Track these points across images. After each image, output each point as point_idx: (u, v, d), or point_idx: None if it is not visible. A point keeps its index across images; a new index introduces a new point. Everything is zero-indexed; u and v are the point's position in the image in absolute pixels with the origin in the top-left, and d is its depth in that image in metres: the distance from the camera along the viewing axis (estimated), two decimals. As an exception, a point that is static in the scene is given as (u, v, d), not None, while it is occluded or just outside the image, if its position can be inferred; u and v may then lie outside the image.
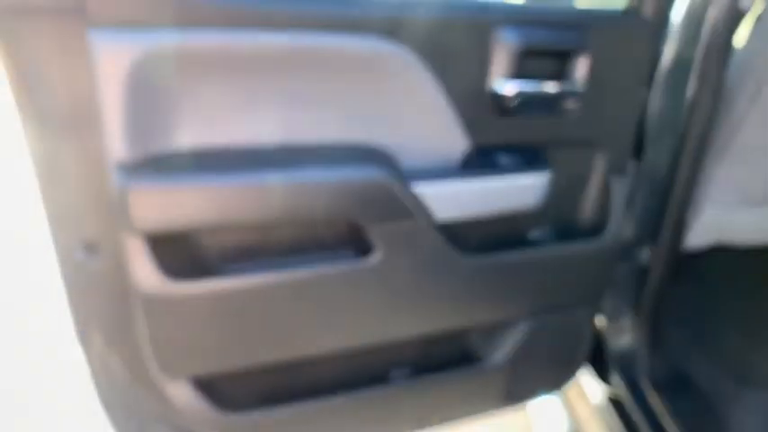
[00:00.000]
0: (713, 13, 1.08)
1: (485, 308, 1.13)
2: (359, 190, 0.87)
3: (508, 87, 0.94)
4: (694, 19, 1.10)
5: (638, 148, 1.19)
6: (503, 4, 0.96)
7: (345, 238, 0.99)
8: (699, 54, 1.11)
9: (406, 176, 0.92)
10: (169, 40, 0.75)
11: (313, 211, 0.86)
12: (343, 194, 0.87)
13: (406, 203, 0.91)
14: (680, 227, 1.29)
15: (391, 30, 0.85)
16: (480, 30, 0.91)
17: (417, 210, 0.93)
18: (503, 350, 1.19)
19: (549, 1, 1.54)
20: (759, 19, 1.23)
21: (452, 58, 0.91)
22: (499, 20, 0.91)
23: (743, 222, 1.56)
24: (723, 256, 1.66)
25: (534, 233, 1.18)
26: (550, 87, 0.98)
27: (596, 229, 1.18)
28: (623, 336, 1.43)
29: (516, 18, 0.93)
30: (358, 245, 0.98)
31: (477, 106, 0.96)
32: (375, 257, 0.94)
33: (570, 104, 1.02)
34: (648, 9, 1.04)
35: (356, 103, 0.90)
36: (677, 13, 1.12)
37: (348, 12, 0.83)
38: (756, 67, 1.29)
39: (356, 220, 0.90)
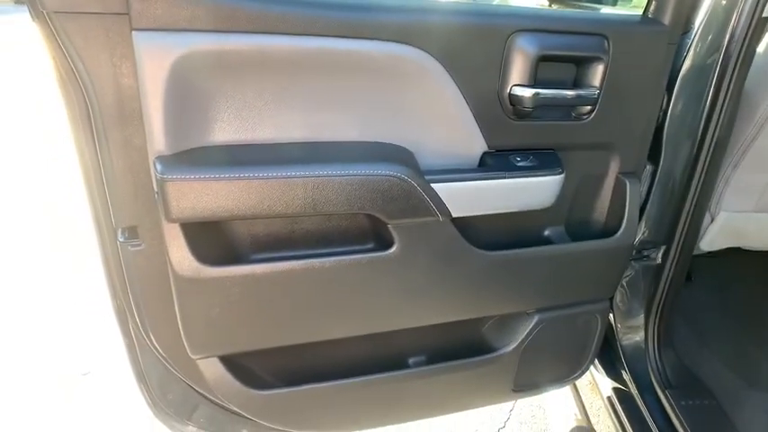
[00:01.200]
0: (735, 20, 1.09)
1: (499, 301, 1.17)
2: (380, 186, 0.92)
3: (525, 92, 0.97)
4: (716, 25, 1.11)
5: (656, 152, 1.21)
6: (521, 11, 0.99)
7: (367, 232, 1.05)
8: (719, 60, 1.12)
9: (425, 174, 0.96)
10: (206, 44, 0.81)
11: (335, 206, 0.91)
12: (364, 190, 0.92)
13: (424, 201, 0.96)
14: (694, 230, 1.31)
15: (413, 36, 0.90)
16: (498, 36, 0.95)
17: (436, 207, 0.97)
18: (515, 342, 1.24)
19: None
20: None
21: (472, 63, 0.95)
22: (517, 26, 0.95)
23: (758, 228, 1.57)
24: (736, 257, 1.67)
25: (549, 231, 1.22)
26: (567, 92, 1.02)
27: (611, 228, 1.21)
28: (634, 333, 1.46)
29: (534, 25, 0.96)
30: (378, 238, 1.03)
31: (494, 110, 1.00)
32: (394, 250, 1.00)
33: (586, 109, 1.05)
34: (667, 15, 1.05)
35: (379, 105, 0.95)
36: (698, 20, 1.13)
37: (373, 18, 0.88)
38: None
39: (377, 214, 0.95)
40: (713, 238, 1.57)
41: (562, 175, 1.07)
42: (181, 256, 0.89)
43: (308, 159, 0.90)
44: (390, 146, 0.98)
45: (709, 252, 1.62)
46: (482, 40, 0.94)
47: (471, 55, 0.94)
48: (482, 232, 1.11)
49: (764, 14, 1.09)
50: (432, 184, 0.96)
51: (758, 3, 1.06)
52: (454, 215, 1.00)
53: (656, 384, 1.39)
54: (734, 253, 1.65)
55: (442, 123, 0.99)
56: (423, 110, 0.97)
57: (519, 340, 1.23)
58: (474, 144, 1.02)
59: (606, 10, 1.74)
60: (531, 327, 1.22)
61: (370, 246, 1.05)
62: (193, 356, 0.99)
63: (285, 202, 0.88)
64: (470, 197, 1.01)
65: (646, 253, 1.41)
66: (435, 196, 0.97)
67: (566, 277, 1.20)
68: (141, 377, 1.09)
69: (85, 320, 2.45)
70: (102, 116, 0.83)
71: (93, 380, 2.15)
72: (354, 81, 0.91)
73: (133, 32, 0.78)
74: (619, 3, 1.73)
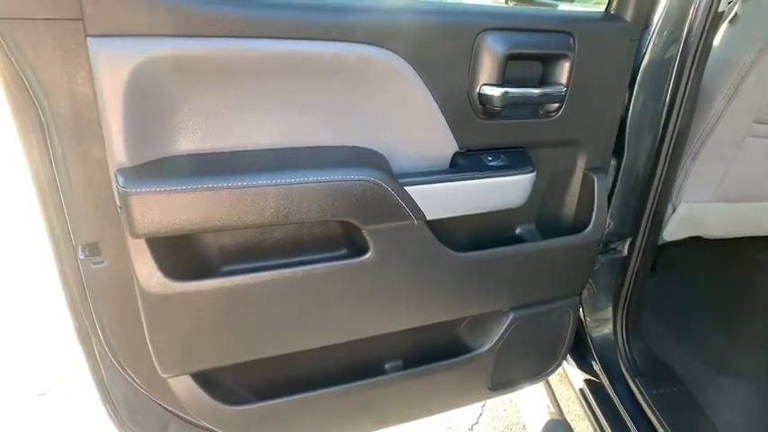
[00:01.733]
0: (692, 15, 1.11)
1: (474, 301, 1.17)
2: (353, 192, 0.90)
3: (494, 92, 0.97)
4: (674, 20, 1.14)
5: (619, 146, 1.23)
6: (488, 10, 0.99)
7: (340, 238, 1.03)
8: (678, 54, 1.15)
9: (398, 178, 0.95)
10: (167, 49, 0.77)
11: (308, 214, 0.89)
12: (337, 196, 0.89)
13: (399, 204, 0.94)
14: (658, 221, 1.34)
15: (381, 37, 0.88)
16: (466, 35, 0.94)
17: (410, 210, 0.96)
18: (490, 341, 1.24)
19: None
20: (735, 19, 1.26)
21: (441, 63, 0.94)
22: (485, 25, 0.94)
23: (717, 217, 1.62)
24: (696, 246, 1.72)
25: (521, 229, 1.22)
26: (535, 90, 1.02)
27: (580, 224, 1.22)
28: (603, 325, 1.49)
29: (501, 23, 0.96)
30: (353, 244, 1.01)
31: (464, 110, 0.99)
32: (369, 256, 0.98)
33: (553, 107, 1.05)
34: (629, 11, 1.07)
35: (349, 108, 0.92)
36: (657, 15, 1.15)
37: (340, 20, 0.85)
38: (733, 66, 1.33)
39: (351, 220, 0.93)
40: (674, 229, 1.61)
41: (533, 174, 1.07)
42: (147, 272, 0.84)
43: (278, 166, 0.87)
44: (362, 150, 0.96)
45: (671, 242, 1.66)
46: (450, 40, 0.93)
47: (440, 55, 0.93)
48: (455, 233, 1.10)
49: (720, 9, 1.12)
50: (405, 188, 0.95)
51: None
52: (429, 218, 0.99)
53: (626, 374, 1.42)
54: (694, 241, 1.70)
55: (412, 125, 0.97)
56: (393, 112, 0.95)
57: (495, 339, 1.23)
58: (445, 145, 1.01)
59: (564, 6, 1.76)
60: (506, 325, 1.23)
61: (344, 252, 1.03)
62: (164, 375, 0.95)
63: (256, 212, 0.85)
64: (444, 199, 1.00)
65: (612, 246, 1.44)
66: (409, 200, 0.95)
67: (538, 274, 1.21)
68: (107, 398, 1.04)
69: (42, 335, 2.34)
70: (57, 128, 0.78)
71: (51, 401, 2.05)
72: (323, 84, 0.89)
73: (88, 39, 0.73)
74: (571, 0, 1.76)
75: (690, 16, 1.11)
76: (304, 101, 0.89)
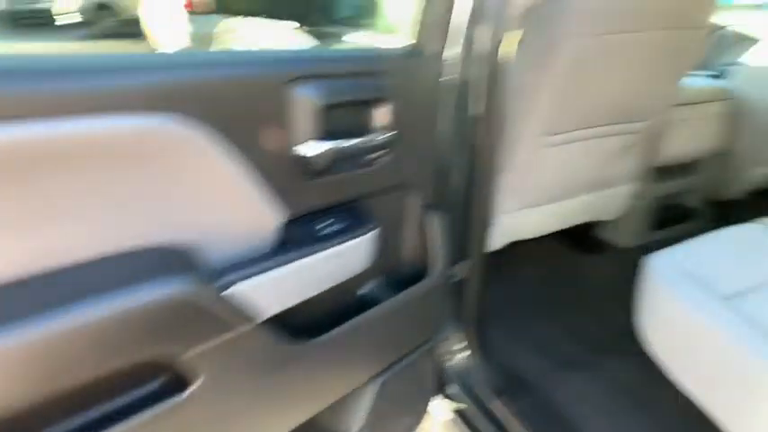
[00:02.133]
0: (483, 41, 1.12)
1: (335, 386, 1.02)
2: (153, 316, 0.67)
3: (317, 148, 0.83)
4: (467, 47, 1.13)
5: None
6: (295, 55, 0.84)
7: (154, 369, 0.77)
8: (475, 79, 1.15)
9: (217, 276, 0.75)
10: None
11: (91, 366, 0.64)
12: (131, 328, 0.65)
13: (220, 315, 0.74)
14: (484, 237, 1.35)
15: (169, 101, 0.67)
16: (274, 86, 0.78)
17: (236, 317, 0.76)
18: (359, 418, 1.10)
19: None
20: (521, 43, 1.32)
21: (250, 124, 0.76)
22: (294, 74, 0.79)
23: (526, 222, 1.75)
24: (515, 250, 1.82)
25: (371, 286, 1.11)
26: (360, 140, 0.90)
27: (426, 264, 1.15)
28: (456, 352, 1.46)
29: (312, 70, 0.82)
30: (172, 373, 0.77)
31: (286, 172, 0.83)
32: (197, 386, 0.75)
33: (381, 152, 0.96)
34: (433, 43, 1.03)
35: (136, 198, 0.69)
36: (453, 44, 1.14)
37: (108, 86, 0.62)
38: (524, 87, 1.41)
39: (161, 354, 0.70)
40: (494, 239, 1.68)
41: (375, 230, 0.96)
42: None
43: (34, 303, 0.60)
44: (159, 251, 0.72)
45: (492, 252, 1.73)
46: (256, 94, 0.76)
47: (247, 113, 0.75)
48: (299, 317, 0.93)
49: (499, 37, 1.14)
50: (228, 290, 0.75)
51: (500, 25, 1.11)
52: (263, 318, 0.81)
53: (487, 395, 1.41)
54: (511, 247, 1.79)
55: (227, 202, 0.77)
56: (200, 190, 0.74)
57: (363, 415, 1.10)
58: (269, 217, 0.83)
59: (351, 37, 1.71)
60: (373, 396, 1.10)
61: (160, 384, 0.77)
62: None
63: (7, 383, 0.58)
64: (280, 289, 0.82)
65: (449, 273, 1.41)
66: (233, 306, 0.76)
67: (399, 331, 1.11)
68: None
69: None
70: None
71: None
72: (91, 174, 0.64)
73: None
74: (361, 27, 1.73)
75: (481, 43, 1.12)
76: (68, 200, 0.63)
